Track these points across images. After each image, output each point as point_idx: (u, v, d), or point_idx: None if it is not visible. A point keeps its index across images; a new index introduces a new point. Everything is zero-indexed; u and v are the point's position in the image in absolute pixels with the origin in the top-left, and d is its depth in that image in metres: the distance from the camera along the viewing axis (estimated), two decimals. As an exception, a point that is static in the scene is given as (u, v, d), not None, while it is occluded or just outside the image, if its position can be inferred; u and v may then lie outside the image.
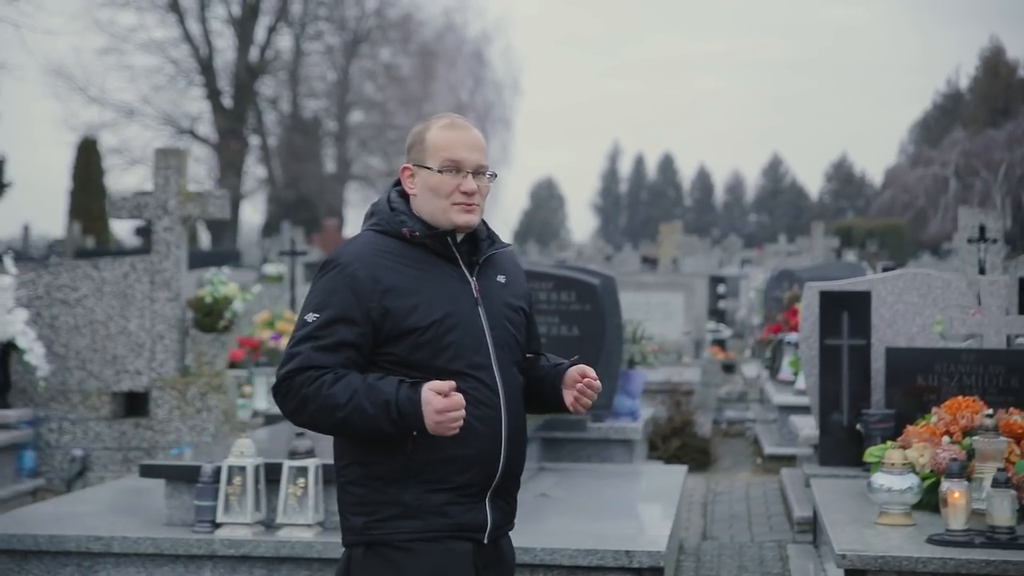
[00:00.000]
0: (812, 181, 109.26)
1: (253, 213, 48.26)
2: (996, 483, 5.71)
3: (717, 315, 21.90)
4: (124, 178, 42.86)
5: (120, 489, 7.45)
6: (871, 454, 6.67)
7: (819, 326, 7.97)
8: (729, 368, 17.85)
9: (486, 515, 3.49)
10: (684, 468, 8.72)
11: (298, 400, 3.40)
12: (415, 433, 3.35)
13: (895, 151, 65.70)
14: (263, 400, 9.43)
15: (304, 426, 3.50)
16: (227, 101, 43.19)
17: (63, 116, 42.97)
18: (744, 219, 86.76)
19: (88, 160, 37.49)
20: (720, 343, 19.31)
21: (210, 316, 9.14)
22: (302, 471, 5.98)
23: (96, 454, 9.11)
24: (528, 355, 3.71)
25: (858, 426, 7.65)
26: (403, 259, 3.48)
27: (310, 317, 3.45)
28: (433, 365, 3.41)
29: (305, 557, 5.91)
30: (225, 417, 8.91)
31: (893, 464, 6.11)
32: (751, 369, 16.24)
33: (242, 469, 5.99)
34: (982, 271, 13.39)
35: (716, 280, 22.74)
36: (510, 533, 3.68)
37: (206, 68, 42.70)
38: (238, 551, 5.91)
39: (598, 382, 3.59)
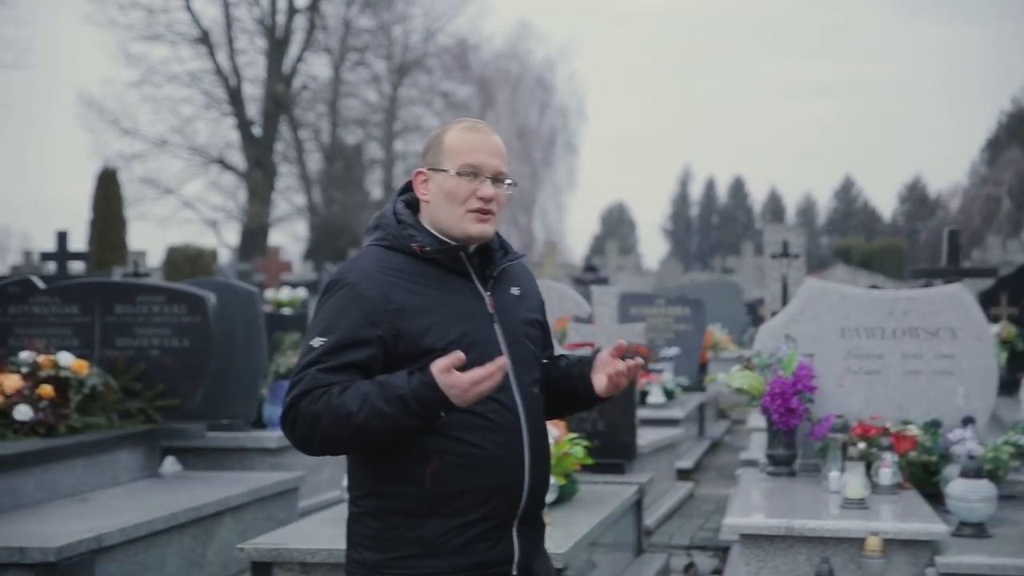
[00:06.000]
0: (885, 203, 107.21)
1: (293, 241, 48.90)
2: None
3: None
4: (155, 208, 43.66)
5: None
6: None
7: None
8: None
9: (513, 546, 3.23)
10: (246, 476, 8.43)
11: (308, 420, 3.10)
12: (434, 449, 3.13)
13: (967, 171, 64.59)
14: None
15: (320, 448, 3.18)
16: (257, 131, 43.99)
17: (96, 147, 43.75)
18: (816, 241, 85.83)
19: (107, 190, 38.36)
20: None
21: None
22: None
23: None
24: (544, 361, 3.47)
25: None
26: (413, 276, 3.23)
27: (316, 342, 3.17)
28: None
29: None
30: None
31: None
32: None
33: None
34: (785, 286, 13.42)
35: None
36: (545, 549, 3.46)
37: (235, 99, 43.54)
38: None
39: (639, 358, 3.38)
